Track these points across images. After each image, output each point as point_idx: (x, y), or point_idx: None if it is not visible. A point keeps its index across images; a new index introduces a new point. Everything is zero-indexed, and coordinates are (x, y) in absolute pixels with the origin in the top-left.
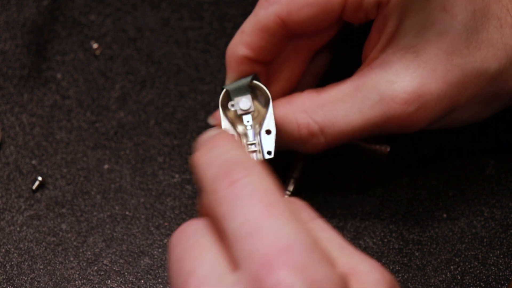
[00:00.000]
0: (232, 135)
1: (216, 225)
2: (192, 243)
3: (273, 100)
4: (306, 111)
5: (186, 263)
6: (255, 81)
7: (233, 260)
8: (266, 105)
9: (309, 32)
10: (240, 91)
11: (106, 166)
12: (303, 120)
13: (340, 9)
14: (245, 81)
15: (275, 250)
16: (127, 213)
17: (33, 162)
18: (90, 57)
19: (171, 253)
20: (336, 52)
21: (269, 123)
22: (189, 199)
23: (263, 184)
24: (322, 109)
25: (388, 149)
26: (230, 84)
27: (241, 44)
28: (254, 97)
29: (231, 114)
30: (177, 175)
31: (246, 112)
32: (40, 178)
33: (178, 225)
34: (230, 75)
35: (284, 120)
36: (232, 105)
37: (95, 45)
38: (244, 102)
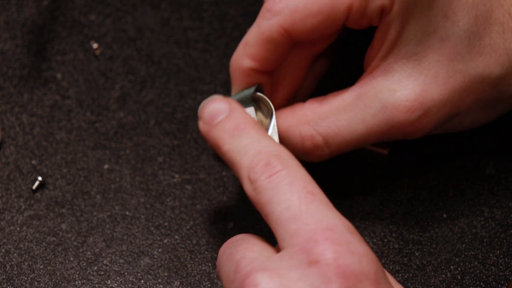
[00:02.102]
0: (253, 118)
1: (260, 209)
2: (240, 242)
3: (276, 108)
4: (309, 123)
5: (235, 255)
6: (258, 93)
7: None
8: (269, 116)
9: (311, 40)
10: (243, 103)
11: (106, 166)
12: (307, 132)
13: (344, 17)
14: (248, 93)
15: (320, 228)
16: (127, 213)
17: (33, 162)
18: (90, 57)
19: (221, 256)
20: (337, 57)
21: (273, 136)
22: (189, 199)
23: (302, 176)
24: (325, 120)
25: (388, 150)
26: (233, 96)
27: (246, 56)
28: (258, 108)
29: None
30: (177, 175)
31: None
32: (40, 178)
33: (178, 225)
34: (235, 87)
35: (288, 133)
36: None
37: (95, 45)
38: None
